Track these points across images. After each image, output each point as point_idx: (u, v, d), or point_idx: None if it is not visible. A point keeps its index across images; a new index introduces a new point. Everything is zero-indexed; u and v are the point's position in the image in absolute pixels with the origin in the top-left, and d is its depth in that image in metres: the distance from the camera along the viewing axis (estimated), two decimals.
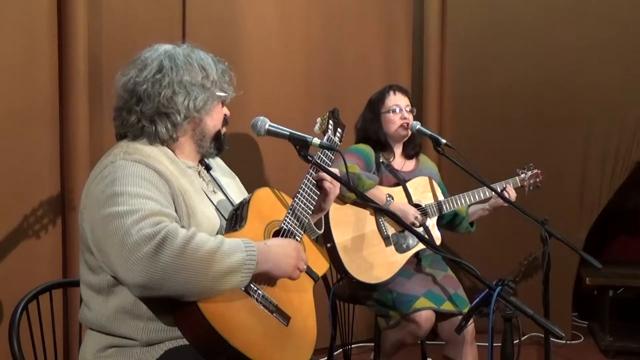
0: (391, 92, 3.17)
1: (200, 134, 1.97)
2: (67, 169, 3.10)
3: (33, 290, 2.10)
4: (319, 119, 2.27)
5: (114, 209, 1.71)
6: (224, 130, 2.05)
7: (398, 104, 3.14)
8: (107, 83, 3.15)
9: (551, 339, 3.00)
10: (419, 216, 3.01)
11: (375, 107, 3.17)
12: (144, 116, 1.89)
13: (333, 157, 2.15)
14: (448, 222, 3.31)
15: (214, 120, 1.99)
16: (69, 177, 3.09)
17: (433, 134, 3.12)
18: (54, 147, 3.09)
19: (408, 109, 3.16)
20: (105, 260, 1.75)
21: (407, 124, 3.12)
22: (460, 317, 2.82)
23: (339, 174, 2.05)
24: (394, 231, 3.05)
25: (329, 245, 2.91)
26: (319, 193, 2.07)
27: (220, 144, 2.03)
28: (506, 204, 3.09)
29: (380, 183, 3.07)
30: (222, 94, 1.99)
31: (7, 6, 2.93)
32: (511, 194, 3.19)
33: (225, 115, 2.04)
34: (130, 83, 1.90)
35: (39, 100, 3.03)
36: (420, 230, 3.01)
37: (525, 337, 4.09)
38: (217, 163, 2.18)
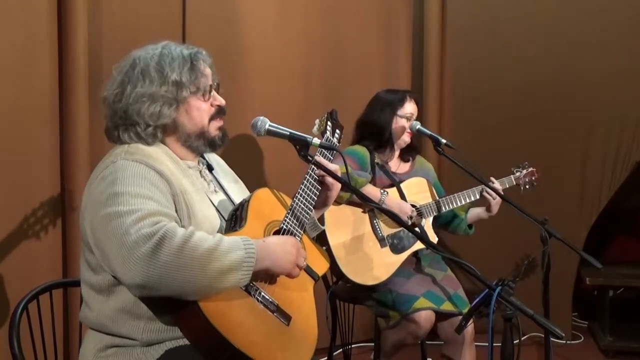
0: (412, 100, 3.20)
1: (183, 134, 1.95)
2: (67, 169, 3.10)
3: (33, 290, 2.10)
4: (317, 120, 2.27)
5: (114, 209, 1.71)
6: (219, 123, 1.99)
7: (413, 113, 3.18)
8: None
9: (551, 339, 3.00)
10: (414, 210, 3.01)
11: (393, 106, 3.16)
12: (114, 126, 1.92)
13: (332, 157, 2.15)
14: (446, 223, 3.32)
15: (193, 119, 1.94)
16: (69, 177, 3.09)
17: (433, 134, 3.13)
18: (54, 147, 3.09)
19: (414, 118, 3.19)
20: (105, 260, 1.75)
21: (411, 134, 3.17)
22: (460, 317, 2.83)
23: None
24: (389, 232, 3.05)
25: (324, 247, 2.91)
26: (320, 188, 2.07)
27: (211, 140, 1.98)
28: (504, 203, 3.10)
29: (375, 184, 3.08)
30: (189, 91, 1.92)
31: (7, 6, 2.93)
32: (497, 186, 3.17)
33: (218, 106, 1.98)
34: (103, 96, 1.94)
35: (39, 100, 3.03)
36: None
37: (525, 337, 4.09)
38: (218, 163, 2.17)
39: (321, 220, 2.20)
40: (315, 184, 2.05)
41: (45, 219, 3.03)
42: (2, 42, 2.92)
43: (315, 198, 2.05)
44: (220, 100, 2.00)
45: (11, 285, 2.88)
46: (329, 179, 2.07)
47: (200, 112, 1.95)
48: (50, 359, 2.17)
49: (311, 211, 2.04)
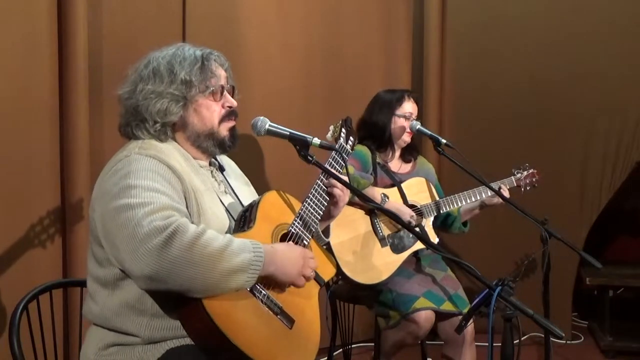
0: (411, 99, 3.19)
1: (192, 133, 1.96)
2: (67, 170, 3.09)
3: (33, 290, 2.10)
4: (331, 127, 2.27)
5: (126, 201, 1.72)
6: (229, 124, 2.01)
7: (412, 112, 3.17)
8: (107, 83, 3.14)
9: (551, 339, 3.00)
10: (414, 216, 3.02)
11: (391, 106, 3.16)
12: (126, 123, 1.96)
13: (344, 164, 2.15)
14: (441, 222, 3.31)
15: (203, 118, 1.96)
16: (69, 178, 3.09)
17: (433, 134, 3.13)
18: (54, 147, 3.08)
19: (413, 118, 3.18)
20: (114, 251, 1.75)
21: (411, 134, 3.16)
22: (460, 317, 2.83)
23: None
24: (389, 232, 3.05)
25: (324, 247, 2.90)
26: (328, 199, 2.07)
27: (220, 141, 1.99)
28: (503, 203, 3.09)
29: (376, 184, 3.08)
30: (198, 90, 1.93)
31: (7, 6, 2.93)
32: (505, 194, 3.17)
33: (229, 107, 2.00)
34: (118, 95, 1.97)
35: (39, 99, 3.02)
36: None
37: (525, 337, 4.09)
38: (230, 166, 2.19)
39: (326, 232, 2.20)
40: (323, 194, 2.06)
41: (46, 220, 3.03)
42: (2, 42, 2.91)
43: (325, 204, 2.06)
44: (232, 102, 2.01)
45: (11, 285, 2.88)
46: (337, 191, 2.07)
47: (210, 112, 1.97)
48: (50, 359, 2.17)
49: (319, 218, 2.04)
